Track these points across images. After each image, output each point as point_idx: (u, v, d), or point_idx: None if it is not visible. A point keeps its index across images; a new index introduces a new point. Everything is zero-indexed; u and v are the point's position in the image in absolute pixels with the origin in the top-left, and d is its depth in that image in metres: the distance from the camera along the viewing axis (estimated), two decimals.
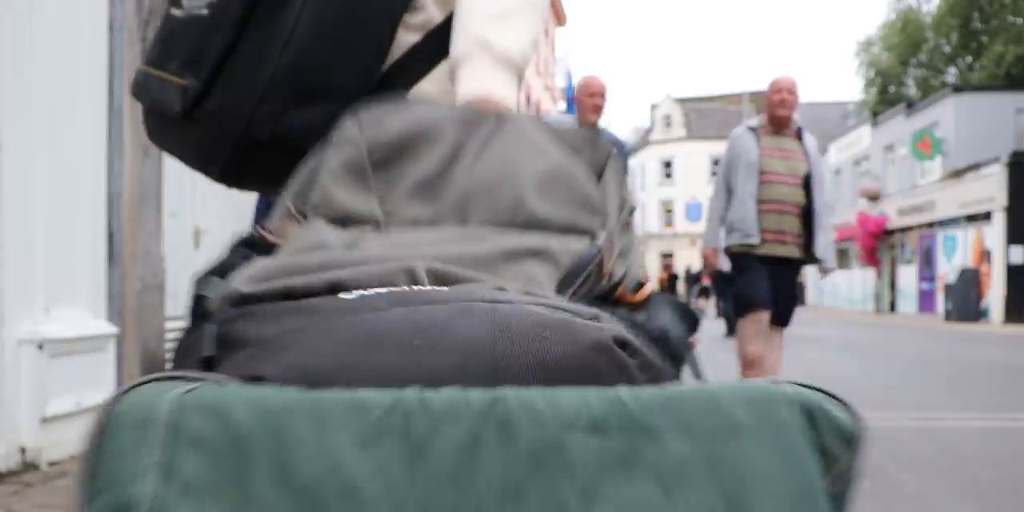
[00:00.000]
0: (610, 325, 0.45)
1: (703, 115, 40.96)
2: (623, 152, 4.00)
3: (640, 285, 0.56)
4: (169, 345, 3.62)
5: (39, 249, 2.65)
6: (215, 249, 3.56)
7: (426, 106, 0.70)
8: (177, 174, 3.91)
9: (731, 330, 10.39)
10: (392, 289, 0.45)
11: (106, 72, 3.04)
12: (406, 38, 0.87)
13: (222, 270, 0.54)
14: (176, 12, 0.89)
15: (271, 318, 0.45)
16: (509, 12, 0.81)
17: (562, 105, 24.03)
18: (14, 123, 2.58)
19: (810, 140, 3.83)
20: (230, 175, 0.88)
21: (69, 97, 2.82)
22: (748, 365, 3.64)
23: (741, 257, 3.71)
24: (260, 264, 0.51)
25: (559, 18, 27.03)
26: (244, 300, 0.48)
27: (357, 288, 0.46)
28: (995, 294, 15.24)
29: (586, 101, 3.85)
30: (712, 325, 12.19)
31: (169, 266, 3.63)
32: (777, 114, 3.74)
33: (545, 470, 0.35)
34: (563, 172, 0.61)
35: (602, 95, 3.85)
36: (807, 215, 3.67)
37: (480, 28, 0.79)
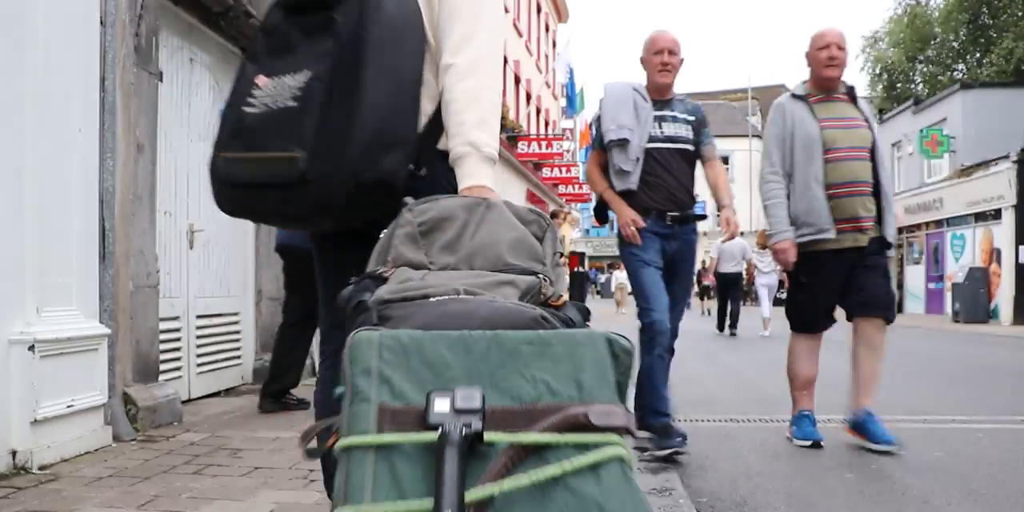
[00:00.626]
0: (540, 311, 0.97)
1: (706, 112, 40.64)
2: (701, 118, 3.29)
3: (559, 297, 1.06)
4: (163, 346, 3.59)
5: (30, 248, 2.61)
6: (210, 249, 3.56)
7: (448, 199, 1.16)
8: (171, 172, 3.87)
9: (723, 327, 10.79)
10: (451, 296, 0.97)
11: (99, 68, 3.00)
12: (425, 106, 1.31)
13: (361, 288, 1.03)
14: (250, 110, 1.24)
15: (401, 308, 0.95)
16: (486, 118, 1.27)
17: (563, 102, 23.82)
18: (5, 120, 2.54)
19: (863, 102, 3.23)
20: (335, 220, 1.27)
21: (60, 93, 2.77)
22: (801, 386, 3.22)
23: (811, 257, 3.09)
24: (387, 287, 1.01)
25: (560, 14, 26.85)
26: (386, 301, 0.97)
27: (437, 295, 0.97)
28: (1004, 294, 15.09)
29: (651, 60, 3.15)
30: (712, 324, 12.10)
31: (163, 266, 3.59)
32: (825, 75, 3.08)
33: (513, 357, 0.87)
34: (522, 238, 1.13)
35: (670, 51, 3.12)
36: (877, 191, 3.08)
37: (470, 135, 1.25)
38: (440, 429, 0.78)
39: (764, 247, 10.87)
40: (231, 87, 1.34)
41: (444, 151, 1.31)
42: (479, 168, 1.26)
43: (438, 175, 1.29)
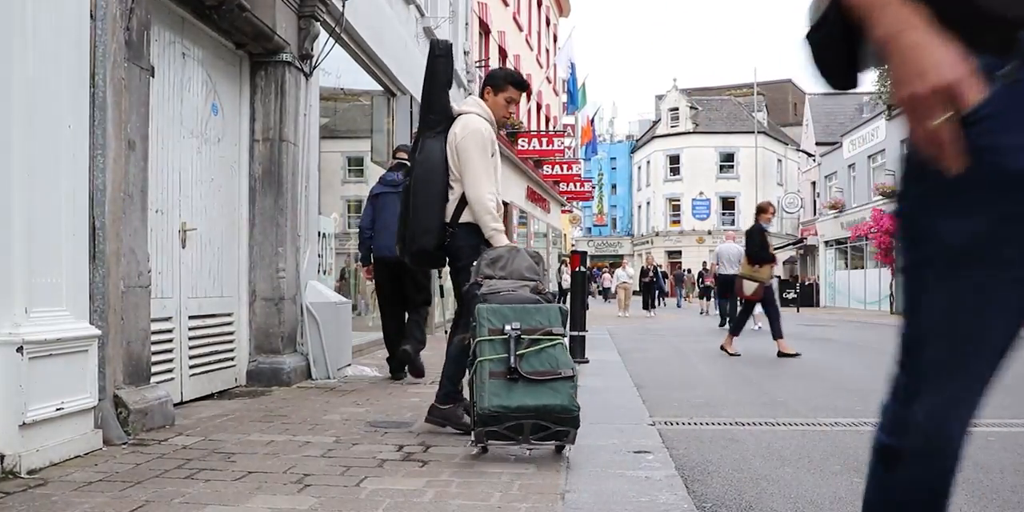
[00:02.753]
0: (536, 297, 3.10)
1: (711, 108, 40.60)
2: None
3: (545, 289, 3.21)
4: (154, 347, 3.53)
5: (19, 247, 2.56)
6: (202, 248, 3.49)
7: (501, 248, 3.19)
8: (163, 170, 3.82)
9: (723, 322, 12.12)
10: (508, 291, 3.06)
11: (89, 63, 2.94)
12: (450, 203, 3.29)
13: (472, 287, 3.10)
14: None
15: (492, 297, 3.01)
16: (493, 214, 3.25)
17: (564, 98, 23.63)
18: None
19: None
20: (424, 265, 3.75)
21: (50, 89, 2.72)
22: None
23: None
24: (483, 289, 3.06)
25: (561, 9, 26.67)
26: (485, 294, 3.04)
27: (503, 291, 3.07)
28: None
29: None
30: (713, 321, 12.19)
31: (154, 265, 3.53)
32: None
33: (529, 312, 2.96)
34: (532, 265, 3.16)
35: None
36: None
37: (491, 226, 3.24)
38: (508, 334, 2.82)
39: None
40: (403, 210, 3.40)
41: (465, 222, 3.22)
42: (501, 239, 3.19)
43: (461, 233, 3.24)
